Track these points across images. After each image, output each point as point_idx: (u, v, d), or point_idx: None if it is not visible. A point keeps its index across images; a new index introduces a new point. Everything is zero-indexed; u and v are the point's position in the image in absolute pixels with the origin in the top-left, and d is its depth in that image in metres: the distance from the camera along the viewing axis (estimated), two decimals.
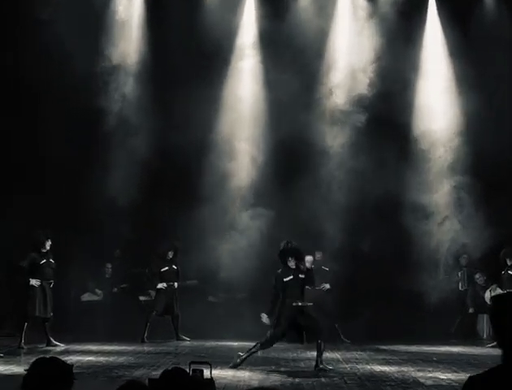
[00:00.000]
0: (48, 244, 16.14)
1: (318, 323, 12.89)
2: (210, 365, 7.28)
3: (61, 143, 17.58)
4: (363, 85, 18.80)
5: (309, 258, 16.04)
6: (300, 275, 13.01)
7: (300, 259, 13.15)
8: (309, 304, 13.08)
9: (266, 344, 12.86)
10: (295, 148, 18.36)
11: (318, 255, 18.31)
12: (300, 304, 12.89)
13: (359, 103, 18.85)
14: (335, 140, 18.92)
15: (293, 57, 18.44)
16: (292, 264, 13.01)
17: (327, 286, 18.15)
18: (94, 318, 17.99)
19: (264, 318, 13.09)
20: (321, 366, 12.71)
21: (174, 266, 17.81)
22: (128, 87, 19.17)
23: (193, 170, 18.52)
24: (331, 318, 17.88)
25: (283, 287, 12.91)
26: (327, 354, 15.13)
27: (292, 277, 12.94)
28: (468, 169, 18.85)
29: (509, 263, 17.16)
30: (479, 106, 18.29)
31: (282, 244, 13.30)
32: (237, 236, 17.94)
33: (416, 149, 19.29)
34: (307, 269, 13.23)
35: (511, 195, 18.43)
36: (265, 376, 12.02)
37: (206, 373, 7.17)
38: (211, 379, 6.44)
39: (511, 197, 18.34)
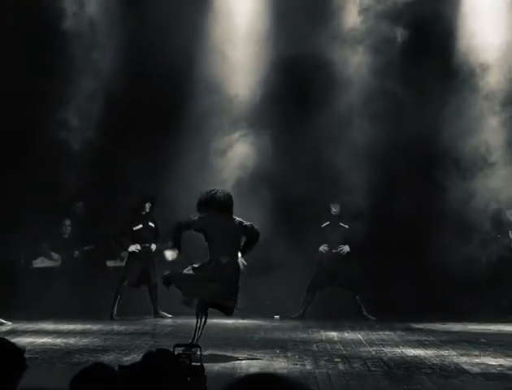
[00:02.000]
0: None
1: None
2: (200, 348, 7.38)
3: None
4: None
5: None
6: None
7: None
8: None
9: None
10: (303, 70, 18.22)
11: (335, 209, 18.33)
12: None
13: (386, 12, 18.62)
14: (355, 61, 18.80)
15: None
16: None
17: (347, 248, 18.20)
18: (50, 289, 18.01)
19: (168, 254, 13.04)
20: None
21: (150, 223, 17.87)
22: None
23: (171, 99, 18.51)
24: (350, 288, 18.02)
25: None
26: (346, 334, 15.31)
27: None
28: None
29: None
30: None
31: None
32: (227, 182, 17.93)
33: (462, 72, 19.09)
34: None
35: None
36: (267, 362, 12.08)
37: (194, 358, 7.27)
38: (201, 366, 6.53)
39: None
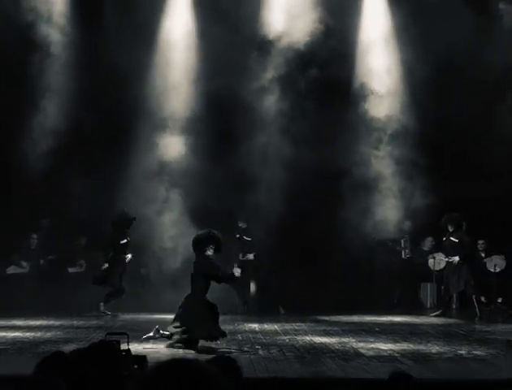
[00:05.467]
0: None
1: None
2: (128, 335, 7.39)
3: None
4: (302, 37, 18.60)
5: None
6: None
7: (218, 250, 12.77)
8: None
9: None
10: (226, 101, 18.26)
11: (241, 225, 18.46)
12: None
13: (298, 57, 18.65)
14: (270, 99, 18.84)
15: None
16: (210, 253, 12.65)
17: (251, 256, 18.32)
18: (20, 291, 17.81)
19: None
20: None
21: (128, 238, 17.77)
22: (53, 42, 18.87)
23: (120, 133, 18.41)
24: (268, 288, 18.04)
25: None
26: (265, 326, 15.29)
27: None
28: (409, 136, 18.94)
29: (450, 229, 17.49)
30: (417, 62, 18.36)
31: (203, 232, 12.93)
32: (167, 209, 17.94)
33: (358, 102, 19.24)
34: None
35: (453, 158, 18.72)
36: (200, 349, 12.01)
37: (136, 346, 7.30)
38: (128, 350, 6.62)
39: (454, 160, 18.65)
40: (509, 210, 18.02)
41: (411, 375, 6.16)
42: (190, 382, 2.58)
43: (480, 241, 18.82)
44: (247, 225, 18.39)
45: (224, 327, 14.84)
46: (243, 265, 17.92)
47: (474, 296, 17.25)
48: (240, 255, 18.33)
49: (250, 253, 18.37)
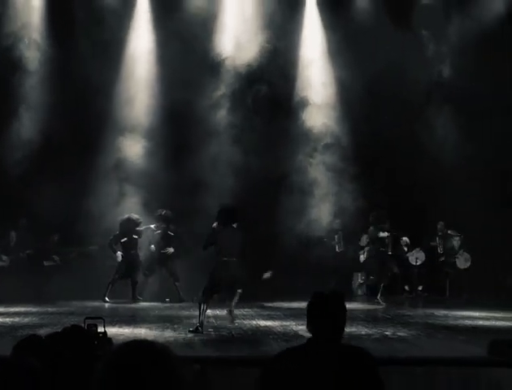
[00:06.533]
0: None
1: None
2: (104, 320, 7.50)
3: None
4: (249, 57, 18.66)
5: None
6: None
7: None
8: None
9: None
10: (183, 119, 18.38)
11: (164, 225, 18.16)
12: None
13: (246, 75, 18.74)
14: (222, 113, 18.95)
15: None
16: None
17: (171, 250, 17.98)
18: (1, 282, 17.69)
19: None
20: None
21: (135, 236, 18.06)
22: (30, 60, 18.87)
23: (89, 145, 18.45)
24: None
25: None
26: (217, 311, 15.34)
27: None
28: (341, 146, 19.15)
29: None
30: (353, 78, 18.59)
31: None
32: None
33: (297, 123, 19.30)
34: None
35: (385, 167, 18.99)
36: (160, 333, 12.16)
37: (101, 328, 7.41)
38: (105, 333, 6.72)
39: (387, 169, 18.93)
40: (428, 213, 18.59)
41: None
42: (150, 362, 2.65)
43: (404, 238, 19.16)
44: (168, 223, 18.11)
45: (181, 313, 15.07)
46: (162, 258, 18.03)
47: (382, 285, 17.62)
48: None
49: (170, 247, 18.06)
